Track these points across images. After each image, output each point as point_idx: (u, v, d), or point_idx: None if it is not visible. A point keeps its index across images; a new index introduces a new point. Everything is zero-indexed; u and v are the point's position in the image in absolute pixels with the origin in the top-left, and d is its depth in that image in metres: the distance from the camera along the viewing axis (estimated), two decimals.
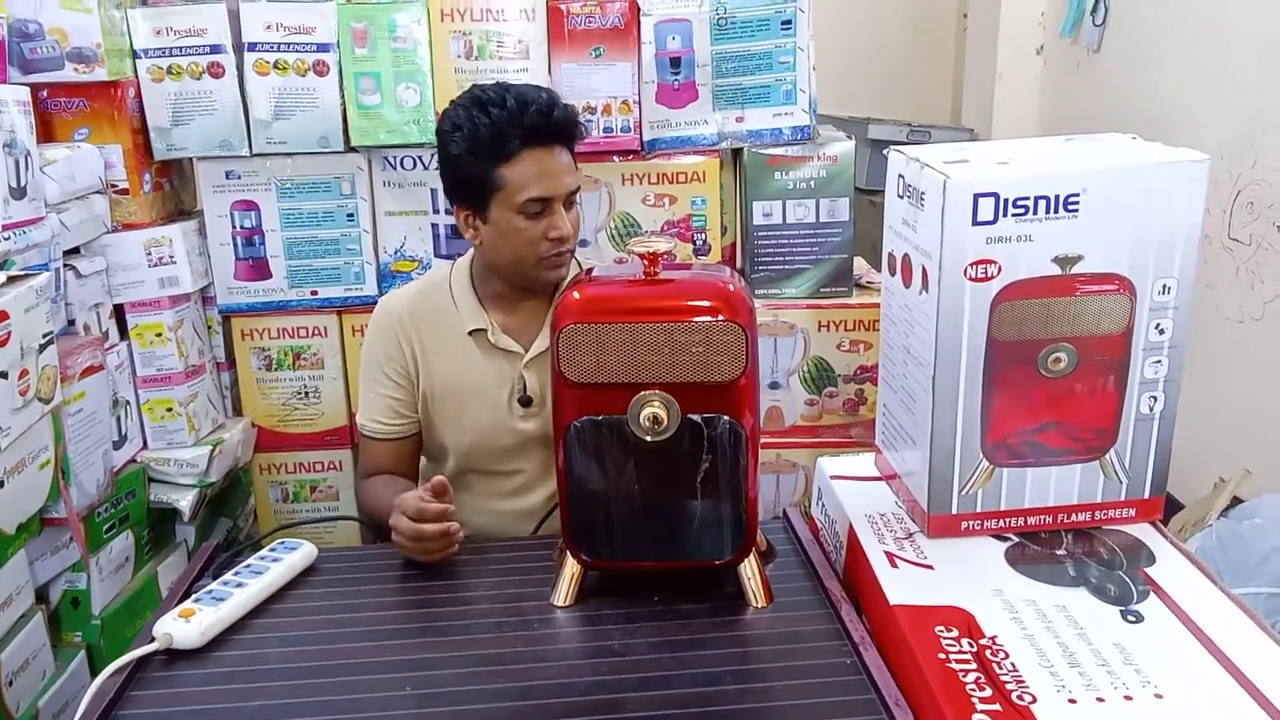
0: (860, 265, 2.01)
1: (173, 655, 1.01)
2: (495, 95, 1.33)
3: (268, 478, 2.03)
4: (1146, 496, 1.09)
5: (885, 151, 1.12)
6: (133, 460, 1.77)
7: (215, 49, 1.81)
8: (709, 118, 1.88)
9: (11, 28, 1.62)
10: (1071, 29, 3.02)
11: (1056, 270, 0.99)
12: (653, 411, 1.00)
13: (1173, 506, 2.02)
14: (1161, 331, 1.03)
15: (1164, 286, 1.02)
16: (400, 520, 1.15)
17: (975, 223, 0.97)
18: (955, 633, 0.92)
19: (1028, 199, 0.97)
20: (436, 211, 1.93)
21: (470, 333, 1.42)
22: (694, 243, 1.93)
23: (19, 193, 1.44)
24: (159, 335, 1.79)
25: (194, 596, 1.06)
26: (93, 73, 1.68)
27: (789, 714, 0.90)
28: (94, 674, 0.98)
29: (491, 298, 1.44)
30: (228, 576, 1.10)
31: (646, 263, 1.03)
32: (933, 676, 0.87)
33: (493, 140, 1.31)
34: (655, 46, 1.85)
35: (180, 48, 1.80)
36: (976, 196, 0.96)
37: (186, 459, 1.81)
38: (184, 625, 1.01)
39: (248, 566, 1.13)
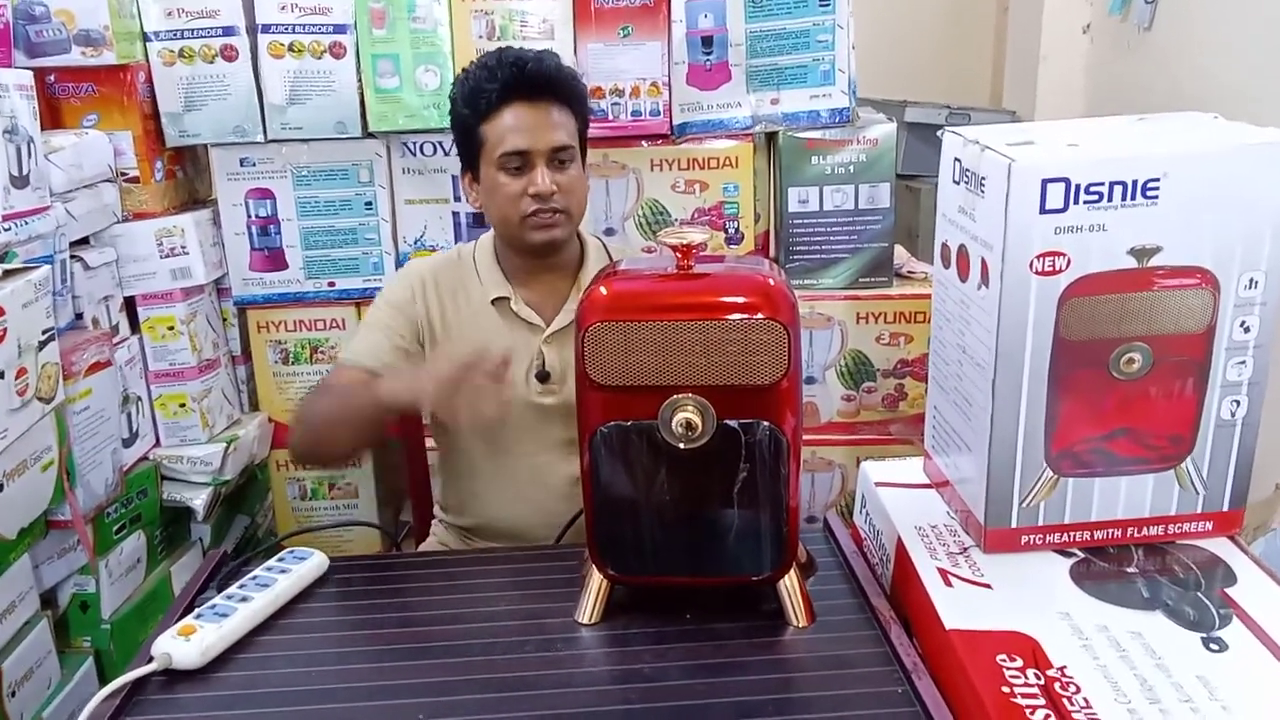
0: (900, 254, 1.92)
1: (172, 676, 0.94)
2: (490, 56, 1.35)
3: (285, 474, 1.97)
4: (1225, 509, 1.00)
5: (940, 133, 1.03)
6: (144, 458, 1.72)
7: (228, 31, 1.74)
8: (742, 100, 1.79)
9: (17, 9, 1.57)
10: (1121, 6, 2.89)
11: (1132, 263, 0.90)
12: (686, 417, 0.92)
13: None
14: (1247, 330, 0.94)
15: (1250, 280, 0.92)
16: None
17: (1043, 211, 0.88)
18: (1020, 662, 0.84)
19: (1102, 184, 0.88)
20: (458, 199, 1.86)
21: (493, 301, 1.40)
22: (726, 231, 1.84)
23: (21, 181, 1.38)
24: (171, 328, 1.74)
25: (196, 612, 1.00)
26: (101, 56, 1.63)
27: None
28: (103, 682, 0.93)
29: (512, 270, 1.41)
30: (232, 590, 1.04)
31: (679, 255, 0.95)
32: (996, 712, 0.78)
33: (474, 96, 1.33)
34: (686, 25, 1.76)
35: (192, 30, 1.74)
36: (1045, 182, 0.87)
37: (200, 456, 1.75)
38: (183, 644, 0.94)
39: (254, 579, 1.06)
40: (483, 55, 1.37)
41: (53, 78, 1.64)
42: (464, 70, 1.37)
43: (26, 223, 1.38)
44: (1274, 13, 2.28)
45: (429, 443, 1.55)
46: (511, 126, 1.31)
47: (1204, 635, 0.87)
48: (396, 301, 1.40)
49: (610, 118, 1.78)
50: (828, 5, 1.73)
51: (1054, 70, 3.12)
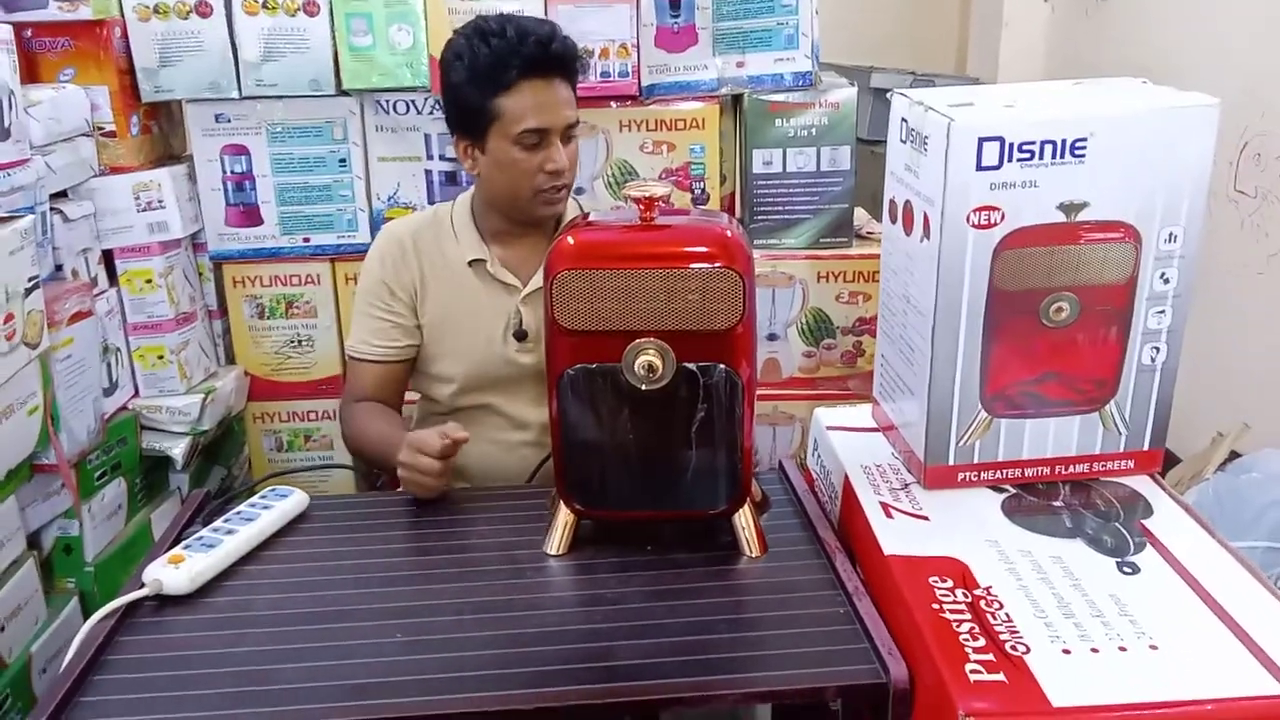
0: (861, 216, 1.98)
1: (162, 601, 1.00)
2: (496, 25, 1.33)
3: (261, 426, 2.02)
4: (1146, 448, 1.08)
5: (889, 96, 1.09)
6: (124, 408, 1.76)
7: None
8: (709, 62, 1.83)
9: None
10: None
11: (1061, 217, 0.97)
12: (648, 360, 0.98)
13: (1170, 461, 2.02)
14: (1166, 281, 1.01)
15: (1170, 235, 1.00)
16: (418, 459, 1.17)
17: (979, 168, 0.95)
18: (950, 583, 0.92)
19: (1033, 144, 0.94)
20: (430, 158, 1.90)
21: (470, 263, 1.42)
22: (692, 191, 1.90)
23: (2, 134, 1.41)
24: (149, 281, 1.77)
25: (184, 543, 1.06)
26: (77, 11, 1.64)
27: (782, 663, 0.90)
28: (86, 620, 0.98)
29: (491, 232, 1.44)
30: (218, 523, 1.10)
31: (642, 208, 1.00)
32: (926, 626, 0.86)
33: (491, 70, 1.31)
34: None
35: None
36: (981, 140, 0.94)
37: (179, 407, 1.79)
38: (174, 571, 1.00)
39: (238, 513, 1.12)
40: (481, 23, 1.35)
41: (29, 32, 1.66)
42: (464, 38, 1.35)
43: (8, 174, 1.41)
44: None
45: (407, 395, 1.59)
46: (533, 104, 1.31)
47: (1119, 560, 0.95)
48: (385, 277, 1.42)
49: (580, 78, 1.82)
50: None
51: (1016, 37, 3.19)
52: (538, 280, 1.41)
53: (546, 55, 1.32)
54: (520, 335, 1.42)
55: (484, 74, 1.31)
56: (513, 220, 1.42)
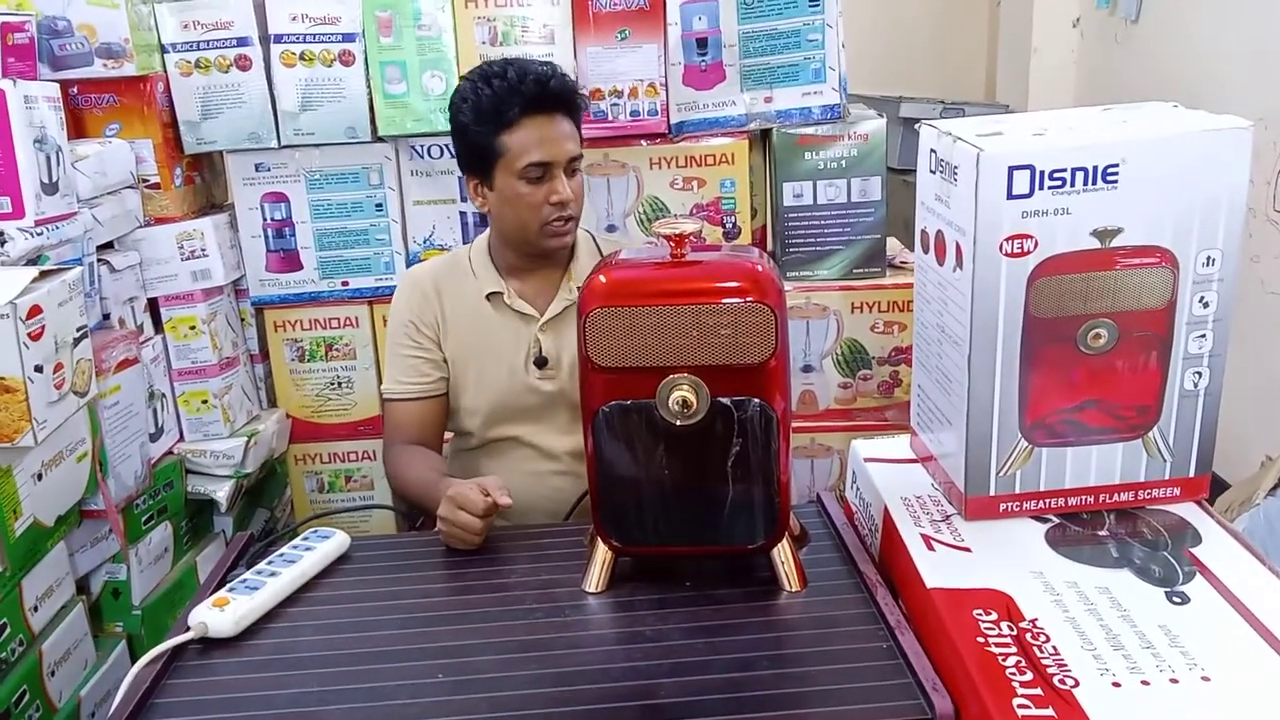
0: (894, 246, 1.98)
1: (208, 644, 1.01)
2: (499, 68, 1.40)
3: (303, 468, 2.04)
4: (1191, 475, 1.06)
5: (917, 127, 1.09)
6: (170, 452, 1.79)
7: (242, 41, 1.81)
8: (737, 98, 1.85)
9: (40, 25, 1.63)
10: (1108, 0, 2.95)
11: (1095, 244, 0.96)
12: (682, 395, 0.98)
13: (1218, 486, 1.98)
14: (1205, 305, 1.00)
15: (1208, 258, 0.98)
16: (458, 515, 1.17)
17: (1010, 196, 0.95)
18: (994, 616, 0.90)
19: (1064, 171, 0.94)
20: (464, 200, 1.93)
21: (488, 296, 1.48)
22: (724, 226, 1.91)
23: (51, 188, 1.45)
24: (193, 328, 1.81)
25: (228, 586, 1.07)
26: (122, 68, 1.70)
27: (824, 699, 0.89)
28: (135, 663, 1.00)
29: (507, 267, 1.50)
30: (261, 566, 1.11)
31: (673, 244, 1.01)
32: (971, 660, 0.85)
33: (494, 109, 1.38)
34: (681, 27, 1.83)
35: (207, 41, 1.81)
36: (1011, 169, 0.94)
37: (222, 450, 1.82)
38: (218, 614, 1.02)
39: (281, 555, 1.13)
40: (485, 67, 1.43)
41: (76, 89, 1.71)
42: (469, 81, 1.42)
43: (57, 227, 1.45)
44: (1253, 4, 2.33)
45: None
46: (535, 140, 1.38)
47: (1168, 590, 0.93)
48: (404, 323, 1.49)
49: (610, 118, 1.84)
50: (817, 6, 1.79)
51: (1045, 63, 3.18)
52: (555, 308, 1.47)
53: (545, 92, 1.39)
54: (541, 362, 1.46)
55: (488, 113, 1.38)
56: (525, 255, 1.47)
